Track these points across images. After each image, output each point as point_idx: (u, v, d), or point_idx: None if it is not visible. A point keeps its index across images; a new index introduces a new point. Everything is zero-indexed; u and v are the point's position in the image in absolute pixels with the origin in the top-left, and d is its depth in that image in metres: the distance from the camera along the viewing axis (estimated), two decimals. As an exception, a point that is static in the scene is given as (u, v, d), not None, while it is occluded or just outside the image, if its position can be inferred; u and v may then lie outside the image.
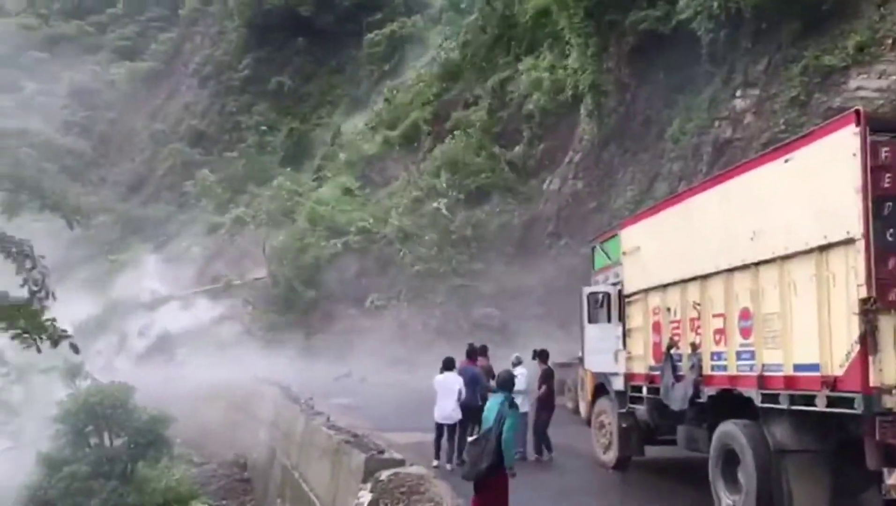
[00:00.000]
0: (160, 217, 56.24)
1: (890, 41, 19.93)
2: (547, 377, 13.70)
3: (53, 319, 11.68)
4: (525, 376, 13.24)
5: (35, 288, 12.49)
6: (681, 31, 25.49)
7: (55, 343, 11.70)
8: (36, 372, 25.60)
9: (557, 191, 35.11)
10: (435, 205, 33.38)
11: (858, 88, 19.94)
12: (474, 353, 13.90)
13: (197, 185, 55.42)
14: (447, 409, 12.60)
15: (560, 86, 34.46)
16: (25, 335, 12.09)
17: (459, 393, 12.52)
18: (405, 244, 33.52)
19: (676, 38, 26.16)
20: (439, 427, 12.88)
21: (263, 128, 60.18)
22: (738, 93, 24.79)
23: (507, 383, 8.38)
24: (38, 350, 12.55)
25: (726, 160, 23.39)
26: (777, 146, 8.25)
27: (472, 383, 12.85)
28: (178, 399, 30.88)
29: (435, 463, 12.67)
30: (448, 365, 12.96)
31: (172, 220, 55.58)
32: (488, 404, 8.26)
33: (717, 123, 25.33)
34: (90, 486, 19.51)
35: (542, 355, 13.97)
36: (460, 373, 12.91)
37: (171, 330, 39.53)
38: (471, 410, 12.50)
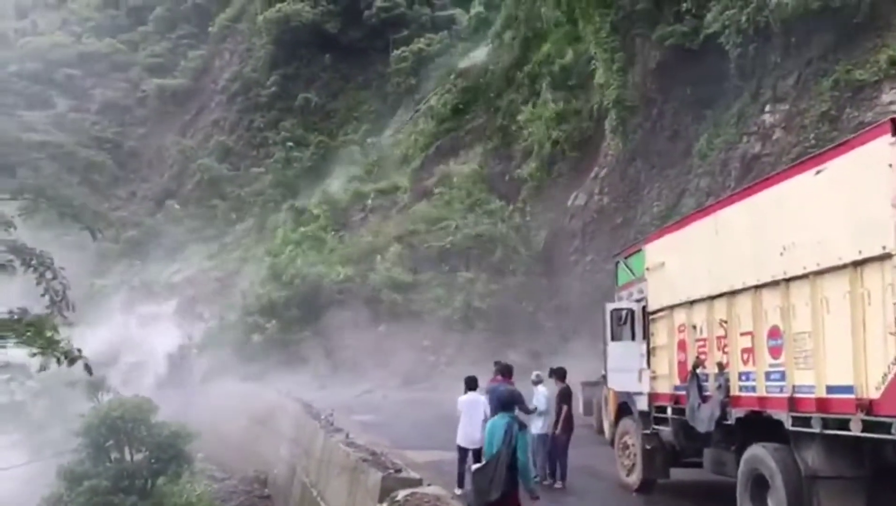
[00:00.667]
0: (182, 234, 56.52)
1: (923, 55, 19.54)
2: (564, 397, 12.97)
3: (66, 339, 11.61)
4: (545, 396, 12.77)
5: (56, 298, 12.49)
6: (708, 46, 25.23)
7: (71, 362, 11.65)
8: (60, 385, 25.62)
9: (583, 206, 34.81)
10: None
11: (891, 103, 19.54)
12: (508, 370, 12.81)
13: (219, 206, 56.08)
14: (472, 432, 11.57)
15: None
16: (44, 351, 12.09)
17: (485, 414, 11.35)
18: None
19: (704, 52, 25.89)
20: (463, 451, 11.85)
21: (290, 144, 60.58)
22: (767, 108, 24.43)
23: (508, 403, 7.84)
24: (59, 363, 12.55)
25: (755, 176, 22.98)
26: (808, 157, 7.90)
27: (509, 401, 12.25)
28: (200, 413, 31.02)
29: (458, 491, 11.62)
30: (471, 384, 12.25)
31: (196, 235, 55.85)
32: (488, 426, 7.74)
33: (745, 139, 24.97)
34: (110, 501, 19.41)
35: (558, 374, 13.33)
36: (491, 392, 11.80)
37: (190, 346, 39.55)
38: None
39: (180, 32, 79.89)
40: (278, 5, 63.99)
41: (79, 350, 11.96)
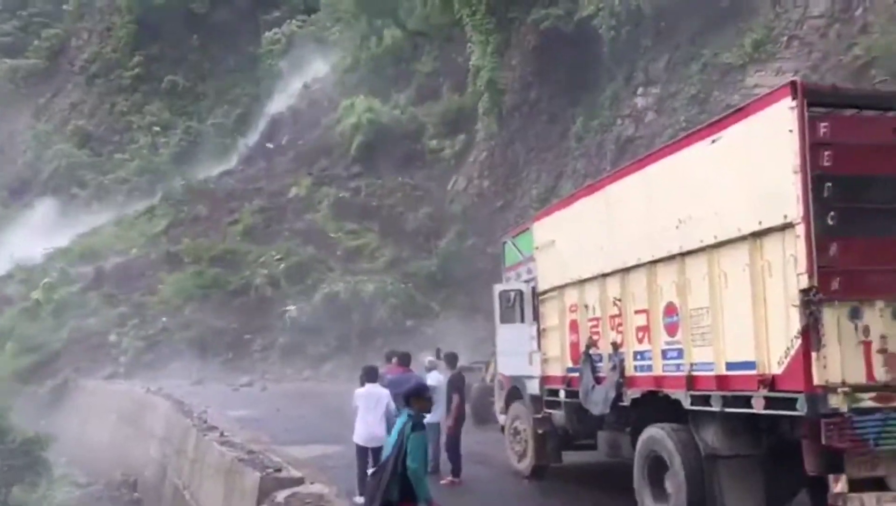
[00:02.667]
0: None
1: (785, 39, 20.29)
2: (456, 385, 12.15)
3: None
4: (438, 383, 12.15)
5: None
6: (583, 30, 25.45)
7: None
8: None
9: (463, 190, 34.67)
10: None
11: (756, 86, 20.13)
12: (406, 359, 12.14)
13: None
14: (373, 427, 10.43)
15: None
16: None
17: (387, 408, 10.45)
18: None
19: (579, 36, 26.12)
20: (363, 451, 10.58)
21: (156, 128, 57.57)
22: (640, 91, 24.93)
23: (410, 395, 6.97)
24: None
25: (629, 157, 23.36)
26: (703, 125, 7.63)
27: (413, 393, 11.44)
28: (66, 413, 28.97)
29: (358, 499, 10.22)
30: (370, 375, 10.95)
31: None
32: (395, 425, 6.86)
33: (619, 121, 25.41)
34: (-43, 516, 17.68)
35: (449, 359, 12.60)
36: (391, 383, 11.07)
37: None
38: None
39: (32, 10, 74.24)
40: (139, -18, 60.57)
41: None
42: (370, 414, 10.51)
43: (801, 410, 6.12)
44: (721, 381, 7.04)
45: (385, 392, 10.63)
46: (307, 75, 50.79)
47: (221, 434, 15.54)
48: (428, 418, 11.61)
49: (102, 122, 61.84)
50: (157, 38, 61.14)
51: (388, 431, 9.81)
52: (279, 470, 11.34)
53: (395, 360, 12.36)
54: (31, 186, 60.76)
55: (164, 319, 32.18)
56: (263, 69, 56.26)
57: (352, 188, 37.25)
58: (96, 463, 26.93)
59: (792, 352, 6.17)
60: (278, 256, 33.19)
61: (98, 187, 53.92)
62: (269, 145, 48.01)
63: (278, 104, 52.18)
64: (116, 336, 32.93)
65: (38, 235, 47.30)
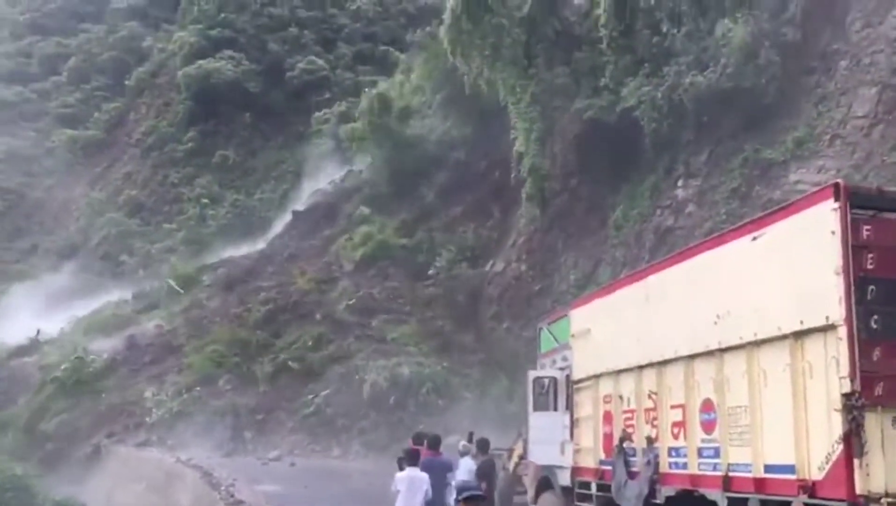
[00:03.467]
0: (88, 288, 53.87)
1: (828, 137, 20.31)
2: (486, 471, 12.04)
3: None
4: (469, 470, 11.78)
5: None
6: (625, 120, 25.74)
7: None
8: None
9: (501, 273, 34.72)
10: None
11: (798, 182, 20.12)
12: (436, 442, 11.87)
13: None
14: None
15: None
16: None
17: (427, 494, 10.40)
18: None
19: (621, 126, 26.42)
20: None
21: (205, 200, 59.04)
22: (680, 182, 24.98)
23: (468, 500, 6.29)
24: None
25: (668, 248, 23.31)
26: (745, 222, 7.64)
27: (442, 475, 11.02)
28: (96, 479, 28.95)
29: None
30: (412, 459, 10.80)
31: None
32: None
33: (659, 211, 25.40)
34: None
35: (481, 445, 12.54)
36: (426, 467, 10.93)
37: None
38: None
39: (95, 84, 77.63)
40: (199, 62, 63.05)
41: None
42: (412, 499, 10.34)
43: (843, 519, 5.90)
44: (759, 483, 6.84)
45: (425, 477, 10.51)
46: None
47: (247, 510, 15.39)
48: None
49: (154, 192, 63.61)
50: (212, 115, 63.29)
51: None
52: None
53: (425, 442, 12.17)
54: (80, 252, 62.36)
55: (197, 388, 32.32)
56: (311, 148, 57.72)
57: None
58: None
59: (833, 458, 6.00)
60: (309, 340, 33.25)
61: (145, 256, 55.06)
62: (298, 208, 48.38)
63: (321, 182, 53.15)
64: (150, 404, 33.12)
65: (77, 301, 48.59)
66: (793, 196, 18.70)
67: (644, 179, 26.64)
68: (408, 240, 38.35)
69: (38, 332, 47.33)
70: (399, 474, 10.68)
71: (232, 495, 17.60)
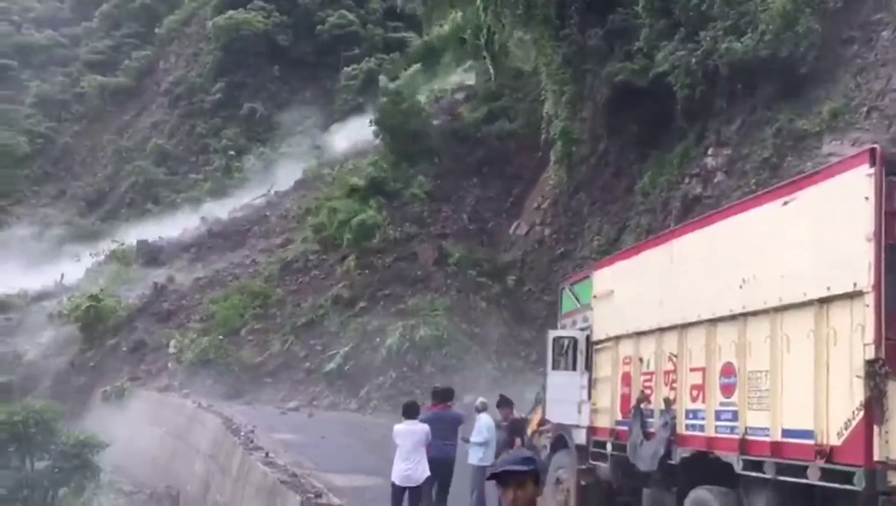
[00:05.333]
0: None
1: (865, 109, 19.88)
2: (517, 429, 12.09)
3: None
4: (487, 426, 11.90)
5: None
6: (657, 86, 25.33)
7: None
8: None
9: (524, 236, 34.66)
10: None
11: (831, 154, 19.72)
12: (449, 394, 12.02)
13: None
14: (411, 467, 10.17)
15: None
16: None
17: (427, 448, 10.37)
18: None
19: (652, 92, 26.02)
20: (398, 491, 10.34)
21: (231, 152, 59.25)
22: (710, 151, 24.63)
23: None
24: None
25: (695, 216, 23.07)
26: (776, 186, 7.56)
27: (450, 429, 11.19)
28: (118, 420, 29.61)
29: None
30: (410, 411, 10.64)
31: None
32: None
33: (687, 180, 25.11)
34: (5, 511, 18.13)
35: (507, 403, 12.49)
36: (432, 419, 11.02)
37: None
38: (445, 464, 11.01)
39: (125, 31, 77.80)
40: (230, 12, 62.85)
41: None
42: (407, 453, 10.28)
43: (859, 485, 5.91)
44: (776, 447, 6.86)
45: (424, 428, 10.46)
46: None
47: (266, 455, 15.70)
48: (478, 462, 11.63)
49: (181, 142, 63.98)
50: (241, 67, 63.28)
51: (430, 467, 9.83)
52: (319, 496, 11.41)
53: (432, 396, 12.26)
54: (107, 198, 63.01)
55: (220, 337, 32.77)
56: (339, 103, 57.55)
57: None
58: (142, 473, 27.40)
59: (853, 424, 5.99)
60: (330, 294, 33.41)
61: (171, 205, 55.55)
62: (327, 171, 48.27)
63: (345, 138, 53.07)
64: (173, 350, 33.68)
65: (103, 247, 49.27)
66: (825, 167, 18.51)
67: (674, 146, 26.32)
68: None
69: (63, 276, 48.09)
70: (397, 427, 10.60)
71: (251, 442, 17.91)
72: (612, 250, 26.81)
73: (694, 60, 23.49)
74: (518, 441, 11.84)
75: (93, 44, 77.67)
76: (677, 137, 26.21)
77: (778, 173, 21.01)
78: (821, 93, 21.10)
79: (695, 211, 23.77)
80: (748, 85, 23.06)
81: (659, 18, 25.21)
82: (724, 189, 23.28)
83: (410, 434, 10.40)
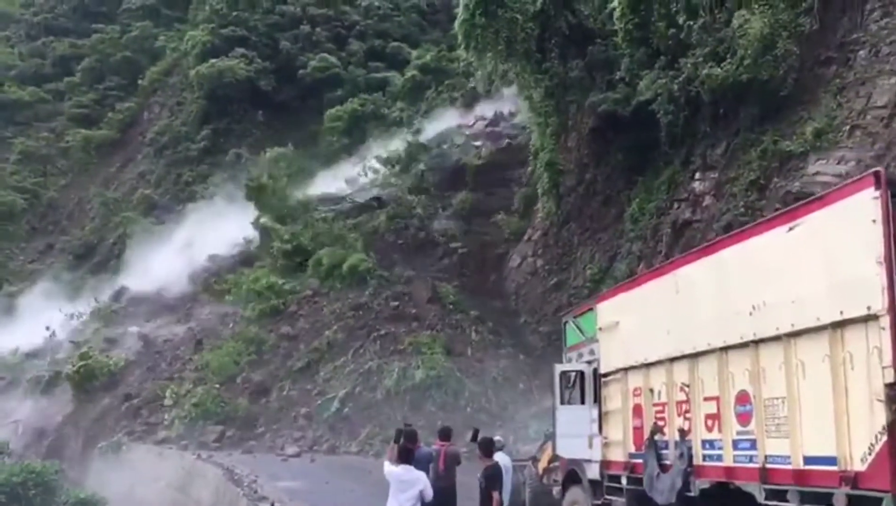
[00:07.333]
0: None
1: (847, 128, 20.12)
2: (491, 480, 10.87)
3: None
4: (507, 468, 11.80)
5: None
6: (640, 114, 25.70)
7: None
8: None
9: (517, 267, 34.73)
10: None
11: (817, 173, 19.96)
12: (446, 432, 11.79)
13: None
14: None
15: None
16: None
17: (421, 495, 9.61)
18: None
19: (636, 120, 26.39)
20: None
21: (219, 199, 59.18)
22: (697, 175, 24.86)
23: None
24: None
25: (685, 241, 23.24)
26: (781, 212, 7.59)
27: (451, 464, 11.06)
28: (117, 475, 29.14)
29: None
30: (404, 456, 9.96)
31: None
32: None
33: (676, 205, 25.30)
34: (5, 579, 17.73)
35: (483, 446, 11.15)
36: (434, 457, 10.95)
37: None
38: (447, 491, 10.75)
39: (108, 84, 78.02)
40: (212, 60, 63.23)
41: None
42: (398, 496, 9.65)
43: (887, 510, 5.86)
44: (798, 475, 6.80)
45: (420, 477, 9.82)
46: (365, 155, 51.94)
47: (272, 504, 15.45)
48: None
49: (168, 191, 63.86)
50: (225, 113, 63.54)
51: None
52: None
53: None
54: (96, 251, 62.67)
55: (216, 386, 32.46)
56: (324, 145, 57.80)
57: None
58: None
59: (877, 448, 5.95)
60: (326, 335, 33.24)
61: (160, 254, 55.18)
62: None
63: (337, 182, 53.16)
64: (168, 402, 33.29)
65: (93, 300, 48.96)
66: (813, 188, 18.63)
67: (660, 172, 26.56)
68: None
69: (53, 332, 47.63)
70: (388, 468, 9.97)
71: (255, 491, 17.65)
72: (605, 279, 26.91)
73: (676, 87, 23.85)
74: (496, 495, 10.71)
75: (76, 98, 77.78)
76: (663, 162, 26.48)
77: (765, 195, 21.22)
78: (803, 113, 21.36)
79: (685, 235, 23.94)
80: (731, 109, 23.36)
81: (638, 48, 25.62)
82: (713, 212, 23.44)
83: (400, 477, 9.73)
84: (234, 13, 66.55)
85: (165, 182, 64.83)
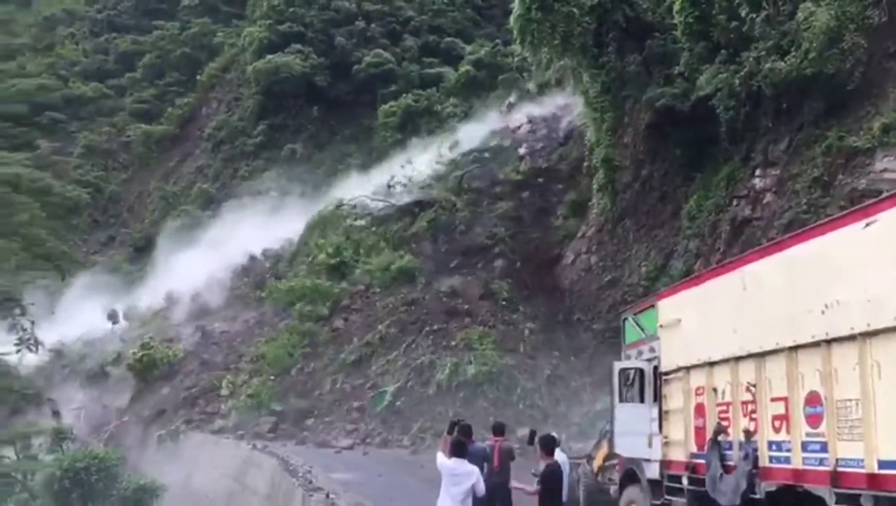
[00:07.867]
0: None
1: (918, 124, 19.46)
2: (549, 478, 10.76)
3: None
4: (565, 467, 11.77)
5: (24, 335, 11.78)
6: (699, 109, 25.22)
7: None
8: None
9: (571, 264, 34.44)
10: None
11: (885, 170, 19.38)
12: (501, 429, 12.10)
13: None
14: None
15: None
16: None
17: (473, 490, 9.47)
18: None
19: (694, 115, 25.90)
20: None
21: (274, 193, 60.05)
22: (758, 172, 24.30)
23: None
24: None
25: (745, 239, 22.76)
26: (855, 208, 7.37)
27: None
28: (174, 463, 29.83)
29: None
30: (458, 449, 9.76)
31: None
32: None
33: (735, 202, 24.77)
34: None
35: (544, 444, 10.81)
36: (488, 452, 11.21)
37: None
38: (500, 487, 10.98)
39: (168, 80, 79.91)
40: (269, 56, 64.16)
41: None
42: (451, 489, 9.48)
43: (970, 517, 5.65)
44: (872, 480, 6.59)
45: (473, 471, 9.67)
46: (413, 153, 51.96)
47: (327, 496, 15.63)
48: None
49: (225, 185, 65.01)
50: (281, 109, 64.40)
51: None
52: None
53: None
54: (155, 244, 64.16)
55: (271, 377, 32.94)
56: (378, 140, 58.13)
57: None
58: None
59: (958, 453, 5.75)
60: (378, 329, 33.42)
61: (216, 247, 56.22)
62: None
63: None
64: (225, 392, 33.91)
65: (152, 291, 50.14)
66: (880, 185, 18.08)
67: (719, 168, 26.04)
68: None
69: (115, 322, 48.94)
70: (444, 462, 9.75)
71: (310, 482, 17.86)
72: (660, 277, 26.50)
73: (737, 82, 23.33)
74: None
75: (137, 93, 79.79)
76: (722, 159, 25.95)
77: (830, 192, 20.65)
78: (870, 108, 20.75)
79: (745, 233, 23.43)
80: (794, 104, 22.78)
81: (698, 42, 25.15)
82: (774, 210, 22.90)
83: (453, 470, 9.59)
84: (291, 9, 67.34)
85: (222, 176, 66.04)
